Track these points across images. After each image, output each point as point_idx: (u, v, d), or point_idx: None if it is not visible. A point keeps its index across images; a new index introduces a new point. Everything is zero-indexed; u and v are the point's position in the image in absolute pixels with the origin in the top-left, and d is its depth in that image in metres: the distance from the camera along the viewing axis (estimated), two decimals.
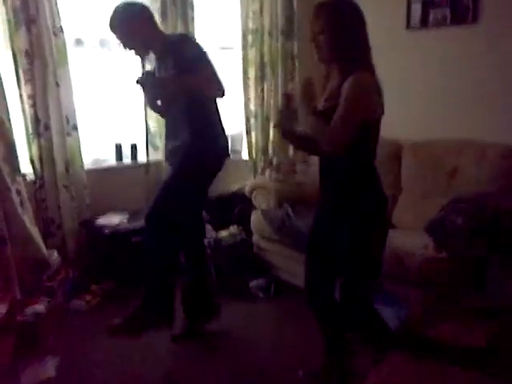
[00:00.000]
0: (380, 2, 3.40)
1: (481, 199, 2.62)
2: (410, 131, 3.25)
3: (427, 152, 3.15)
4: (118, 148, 3.41)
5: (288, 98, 1.99)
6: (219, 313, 2.66)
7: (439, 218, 2.61)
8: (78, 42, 3.24)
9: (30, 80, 2.87)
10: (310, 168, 3.47)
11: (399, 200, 3.18)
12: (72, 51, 3.10)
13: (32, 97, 2.90)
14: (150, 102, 2.50)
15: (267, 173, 3.52)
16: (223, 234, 3.33)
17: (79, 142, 3.11)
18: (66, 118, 3.02)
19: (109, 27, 2.27)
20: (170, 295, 2.44)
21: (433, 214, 2.65)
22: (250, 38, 3.67)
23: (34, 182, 3.00)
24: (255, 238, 3.41)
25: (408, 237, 2.68)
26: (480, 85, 3.08)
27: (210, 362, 2.45)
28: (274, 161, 3.56)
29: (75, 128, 3.08)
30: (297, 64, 3.83)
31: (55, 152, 3.01)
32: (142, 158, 3.49)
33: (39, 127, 2.95)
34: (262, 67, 3.74)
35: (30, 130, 2.94)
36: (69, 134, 3.05)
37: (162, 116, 2.62)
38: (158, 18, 3.12)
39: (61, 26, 2.92)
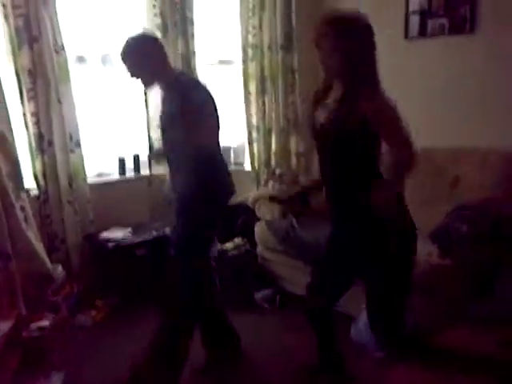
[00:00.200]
0: (378, 12, 3.42)
1: (485, 206, 2.62)
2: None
3: (429, 160, 3.15)
4: (121, 162, 3.44)
5: None
6: (237, 345, 2.58)
7: (444, 225, 2.61)
8: (81, 59, 3.28)
9: (33, 98, 2.90)
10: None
11: None
12: (74, 68, 3.13)
13: (35, 114, 2.93)
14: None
15: (270, 184, 3.52)
16: (228, 245, 3.32)
17: (82, 157, 3.13)
18: (70, 134, 3.04)
19: (120, 56, 2.29)
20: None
21: (435, 221, 2.65)
22: (250, 52, 3.70)
23: (38, 197, 3.02)
24: (259, 249, 3.40)
25: None
26: (479, 92, 3.09)
27: (215, 374, 2.43)
28: (277, 172, 3.57)
29: (78, 144, 3.10)
30: (297, 77, 3.86)
31: (59, 168, 3.03)
32: (144, 171, 3.50)
33: (43, 143, 2.97)
34: (262, 81, 3.77)
35: (34, 147, 2.96)
36: (72, 151, 3.07)
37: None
38: (158, 34, 3.16)
39: (62, 44, 2.95)
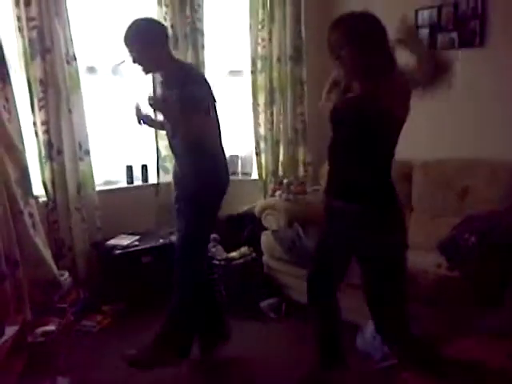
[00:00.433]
0: (388, 26, 3.45)
1: (493, 217, 2.60)
2: (420, 151, 3.26)
3: (438, 171, 3.16)
4: (129, 169, 3.46)
5: None
6: (227, 339, 2.61)
7: (452, 237, 2.60)
8: (91, 69, 3.33)
9: (44, 107, 2.94)
10: (321, 188, 3.47)
11: (410, 219, 3.16)
12: (85, 78, 3.18)
13: (46, 123, 2.97)
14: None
15: (277, 193, 3.53)
16: (234, 254, 3.32)
17: (91, 166, 3.16)
18: (79, 143, 3.08)
19: (123, 39, 2.26)
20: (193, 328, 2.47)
21: (444, 233, 2.64)
22: (259, 63, 3.74)
23: (46, 205, 3.04)
24: (265, 258, 3.40)
25: (420, 256, 2.64)
26: (489, 105, 3.10)
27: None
28: (284, 181, 3.57)
29: (87, 153, 3.13)
30: (305, 89, 3.89)
31: (67, 175, 3.06)
32: (152, 179, 3.53)
33: (52, 152, 3.00)
34: (271, 92, 3.79)
35: (43, 154, 3.00)
36: (81, 159, 3.10)
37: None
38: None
39: (74, 54, 3.00)
